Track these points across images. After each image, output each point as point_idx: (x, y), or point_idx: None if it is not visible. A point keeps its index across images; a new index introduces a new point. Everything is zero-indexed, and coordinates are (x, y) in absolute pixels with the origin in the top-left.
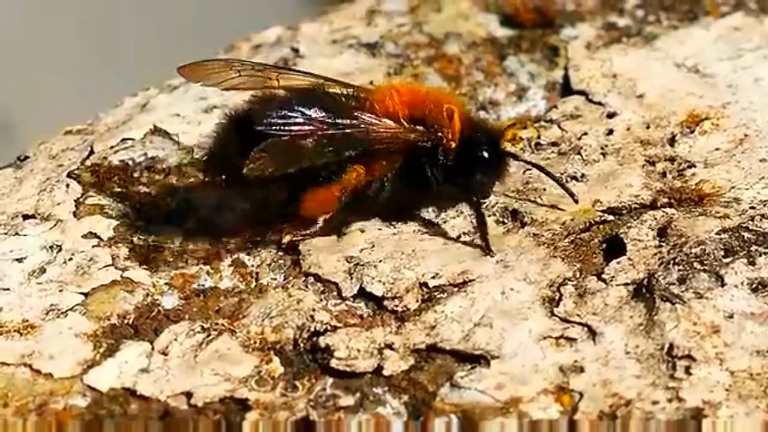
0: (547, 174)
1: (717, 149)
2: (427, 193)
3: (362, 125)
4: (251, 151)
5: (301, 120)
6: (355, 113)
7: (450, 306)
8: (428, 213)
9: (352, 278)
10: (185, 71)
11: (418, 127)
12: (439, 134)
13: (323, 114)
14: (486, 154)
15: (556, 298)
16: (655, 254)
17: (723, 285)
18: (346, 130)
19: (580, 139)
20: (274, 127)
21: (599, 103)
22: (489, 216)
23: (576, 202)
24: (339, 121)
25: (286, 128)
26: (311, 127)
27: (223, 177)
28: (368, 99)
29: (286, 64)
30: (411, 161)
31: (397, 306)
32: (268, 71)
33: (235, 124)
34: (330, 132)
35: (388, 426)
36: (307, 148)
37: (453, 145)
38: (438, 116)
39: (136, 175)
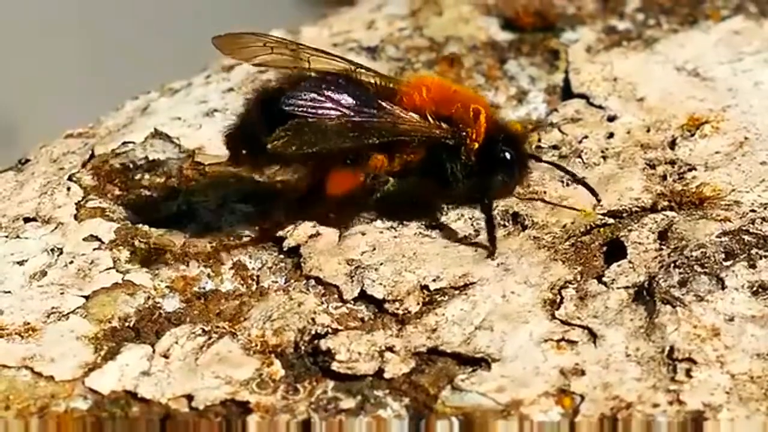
0: (570, 174)
1: (717, 152)
2: (444, 190)
3: (388, 117)
4: (277, 129)
5: (328, 104)
6: (383, 104)
7: (451, 309)
8: (429, 216)
9: (353, 281)
10: (219, 41)
11: (443, 124)
12: (463, 133)
13: (351, 101)
14: (509, 156)
15: (557, 300)
16: (656, 257)
17: (723, 288)
18: (372, 119)
19: (580, 142)
20: (301, 109)
21: (600, 107)
22: None
23: (599, 201)
24: (366, 109)
25: (313, 110)
26: (338, 112)
27: (243, 151)
28: (397, 91)
29: None
30: (433, 157)
31: (398, 309)
32: (301, 51)
33: (263, 102)
34: (356, 119)
35: (390, 429)
36: (331, 131)
37: (476, 145)
38: (464, 115)
39: (137, 178)
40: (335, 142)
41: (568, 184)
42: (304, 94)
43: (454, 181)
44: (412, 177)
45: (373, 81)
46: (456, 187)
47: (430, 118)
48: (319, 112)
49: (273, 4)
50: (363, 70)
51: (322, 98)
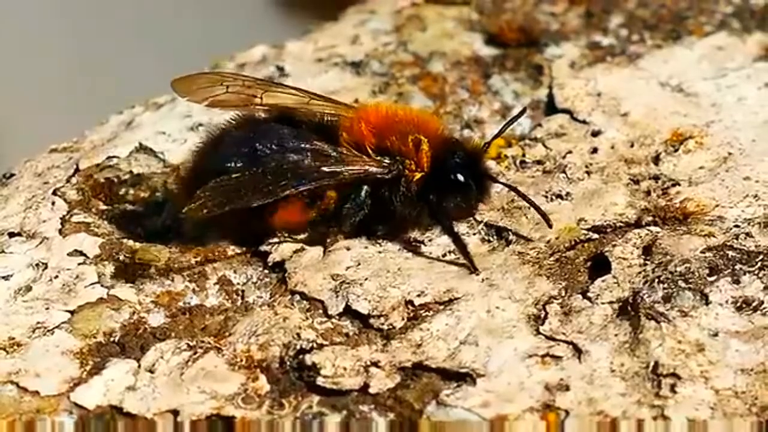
0: (524, 197)
1: (701, 168)
2: (392, 220)
3: (315, 160)
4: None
5: (250, 156)
6: (317, 145)
7: (436, 324)
8: (414, 231)
9: (337, 296)
10: (177, 84)
11: (380, 158)
12: (401, 166)
13: (277, 147)
14: (461, 178)
15: (542, 316)
16: (640, 272)
17: (708, 303)
18: (290, 166)
19: (564, 157)
20: (225, 165)
21: (584, 122)
22: (474, 234)
23: (550, 227)
24: (291, 156)
25: (235, 165)
26: (258, 164)
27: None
28: (338, 126)
29: None
30: (376, 190)
31: (383, 324)
32: (255, 88)
33: (191, 167)
34: (278, 167)
35: None
36: (245, 187)
37: (418, 175)
38: (402, 147)
39: (121, 192)
40: (249, 199)
41: (552, 199)
42: (228, 149)
43: (398, 212)
44: (361, 210)
45: (315, 118)
46: (402, 217)
47: (370, 150)
48: (238, 165)
49: (258, 19)
50: (317, 100)
51: (246, 150)
